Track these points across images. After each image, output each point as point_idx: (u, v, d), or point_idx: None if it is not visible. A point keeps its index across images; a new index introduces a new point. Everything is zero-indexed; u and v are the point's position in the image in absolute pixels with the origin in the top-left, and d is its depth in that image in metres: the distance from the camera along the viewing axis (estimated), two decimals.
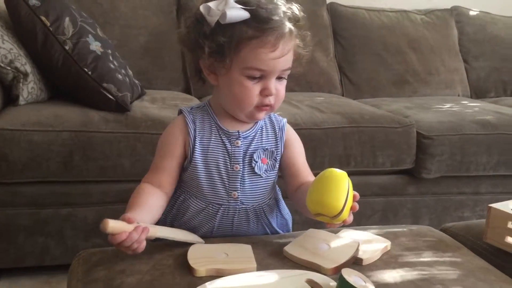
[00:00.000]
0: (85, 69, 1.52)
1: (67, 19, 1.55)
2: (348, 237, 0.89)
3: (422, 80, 2.40)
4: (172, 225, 0.97)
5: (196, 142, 0.92)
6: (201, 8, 0.84)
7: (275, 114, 1.00)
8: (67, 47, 1.51)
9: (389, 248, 0.88)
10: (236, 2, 0.83)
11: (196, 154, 0.91)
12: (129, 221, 0.74)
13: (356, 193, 0.80)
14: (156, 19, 2.12)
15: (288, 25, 0.86)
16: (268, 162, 0.94)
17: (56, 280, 1.52)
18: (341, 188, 0.76)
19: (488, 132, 1.80)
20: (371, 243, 0.87)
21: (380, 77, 2.37)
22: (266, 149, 0.94)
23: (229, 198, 0.93)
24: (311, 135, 1.64)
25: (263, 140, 0.95)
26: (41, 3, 1.51)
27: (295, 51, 0.88)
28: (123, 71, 1.64)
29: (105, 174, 1.49)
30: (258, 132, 0.95)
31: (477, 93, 2.53)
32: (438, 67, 2.44)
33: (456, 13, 2.63)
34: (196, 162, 0.91)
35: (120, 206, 1.50)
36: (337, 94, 2.29)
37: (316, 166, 1.65)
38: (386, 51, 2.40)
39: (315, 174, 1.66)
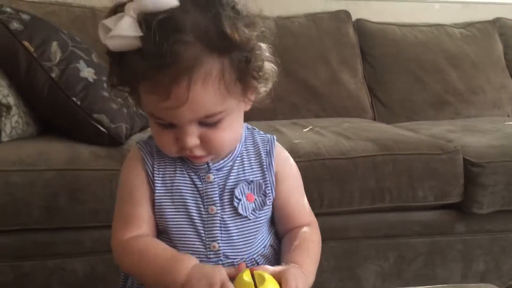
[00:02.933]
0: (74, 99, 1.34)
1: (54, 43, 1.38)
2: None
3: (465, 100, 2.14)
4: None
5: (157, 180, 0.71)
6: (99, 28, 0.61)
7: (260, 132, 0.78)
8: (53, 75, 1.34)
9: None
10: (137, 18, 0.59)
11: (158, 196, 0.70)
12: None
13: None
14: None
15: (194, 60, 0.59)
16: (256, 198, 0.72)
17: None
18: None
19: None
20: None
21: (416, 98, 2.12)
22: (251, 181, 0.72)
23: (209, 252, 0.70)
24: (336, 166, 1.40)
25: (246, 170, 0.73)
26: (25, 27, 1.35)
27: (231, 87, 0.63)
28: (120, 100, 1.46)
29: (97, 219, 1.29)
30: (237, 161, 0.73)
31: None
32: (483, 85, 2.17)
33: (499, 24, 2.37)
34: (160, 207, 0.71)
35: None
36: (367, 118, 2.06)
37: (345, 202, 1.41)
38: (422, 69, 2.16)
39: (344, 212, 1.43)
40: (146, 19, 0.58)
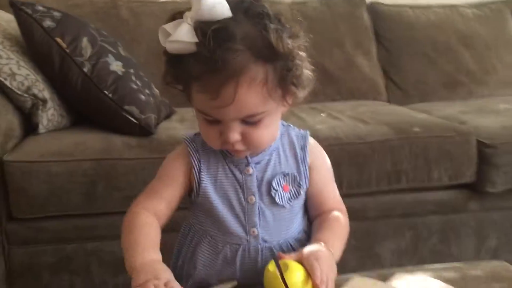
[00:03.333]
0: (105, 92, 1.41)
1: (85, 39, 1.45)
2: (403, 286, 0.72)
3: (478, 80, 2.19)
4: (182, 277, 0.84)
5: (202, 173, 0.78)
6: (159, 32, 0.69)
7: (295, 128, 0.85)
8: (85, 69, 1.41)
9: None
10: (194, 25, 0.66)
11: (203, 187, 0.78)
12: None
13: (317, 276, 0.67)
14: None
15: (241, 66, 0.66)
16: (290, 189, 0.80)
17: None
18: None
19: None
20: None
21: (430, 80, 2.17)
22: (287, 174, 0.80)
23: (248, 236, 0.79)
24: (355, 151, 1.47)
25: (282, 164, 0.80)
26: (57, 24, 1.42)
27: (273, 93, 0.70)
28: (147, 90, 1.53)
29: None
30: (273, 155, 0.80)
31: None
32: (495, 64, 2.21)
33: None
34: (205, 195, 0.78)
35: None
36: (382, 100, 2.11)
37: (363, 184, 1.49)
38: (435, 50, 2.20)
39: (362, 194, 1.50)
40: (201, 27, 0.65)
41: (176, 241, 0.87)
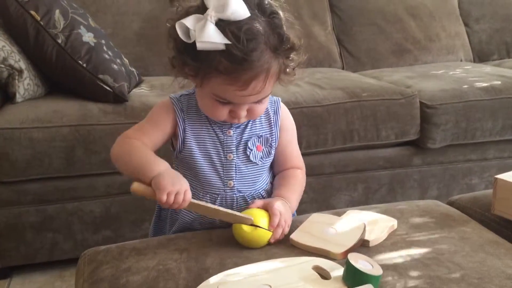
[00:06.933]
0: (80, 62, 1.50)
1: (57, 11, 1.52)
2: (354, 218, 0.88)
3: (423, 47, 2.36)
4: (167, 219, 0.97)
5: (187, 133, 0.89)
6: (177, 26, 0.77)
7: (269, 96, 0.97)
8: (59, 41, 1.49)
9: (395, 227, 0.87)
10: (217, 24, 0.75)
11: (187, 144, 0.89)
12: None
13: (276, 217, 0.81)
14: (148, 4, 2.08)
15: (268, 63, 0.77)
16: (263, 149, 0.92)
17: (69, 273, 1.53)
18: (246, 238, 0.81)
19: (492, 97, 1.77)
20: (377, 223, 0.86)
21: (380, 47, 2.33)
22: (261, 136, 0.92)
23: (226, 188, 0.91)
24: (312, 113, 1.62)
25: (257, 127, 0.92)
26: None
27: (280, 77, 0.83)
28: (118, 60, 1.62)
29: (109, 167, 1.48)
30: (251, 119, 0.91)
31: (479, 56, 2.49)
32: (439, 32, 2.39)
33: None
34: (189, 152, 0.89)
35: (126, 197, 1.54)
36: (337, 67, 2.26)
37: (320, 143, 1.65)
38: (384, 20, 2.36)
39: (320, 152, 1.65)
40: (230, 29, 0.74)
41: None
